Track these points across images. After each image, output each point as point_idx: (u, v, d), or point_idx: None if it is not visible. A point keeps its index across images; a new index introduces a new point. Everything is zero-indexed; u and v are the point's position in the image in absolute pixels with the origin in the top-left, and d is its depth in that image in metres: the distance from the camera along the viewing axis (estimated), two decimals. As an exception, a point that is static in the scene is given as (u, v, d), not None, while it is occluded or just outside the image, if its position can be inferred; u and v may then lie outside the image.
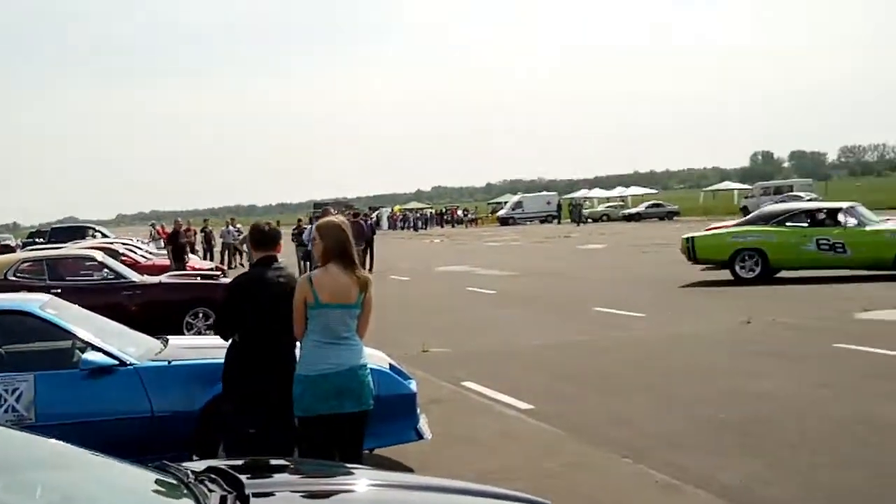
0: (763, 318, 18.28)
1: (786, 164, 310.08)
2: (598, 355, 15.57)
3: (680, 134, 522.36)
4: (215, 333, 8.25)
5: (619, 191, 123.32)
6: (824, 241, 24.89)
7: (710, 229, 29.21)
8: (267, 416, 7.52)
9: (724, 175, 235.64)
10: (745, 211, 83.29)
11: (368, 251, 36.54)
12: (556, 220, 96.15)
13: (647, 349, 15.94)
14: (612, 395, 12.53)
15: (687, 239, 26.93)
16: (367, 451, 8.07)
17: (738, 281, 25.21)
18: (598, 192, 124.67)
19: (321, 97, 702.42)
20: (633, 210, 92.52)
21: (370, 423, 7.43)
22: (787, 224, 25.73)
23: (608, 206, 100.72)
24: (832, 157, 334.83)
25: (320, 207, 60.47)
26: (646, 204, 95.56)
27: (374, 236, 39.79)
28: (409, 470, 8.94)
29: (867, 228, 25.07)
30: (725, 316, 19.11)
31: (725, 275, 25.82)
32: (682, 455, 9.50)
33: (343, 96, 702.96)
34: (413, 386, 9.40)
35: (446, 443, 10.24)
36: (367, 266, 35.67)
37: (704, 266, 27.60)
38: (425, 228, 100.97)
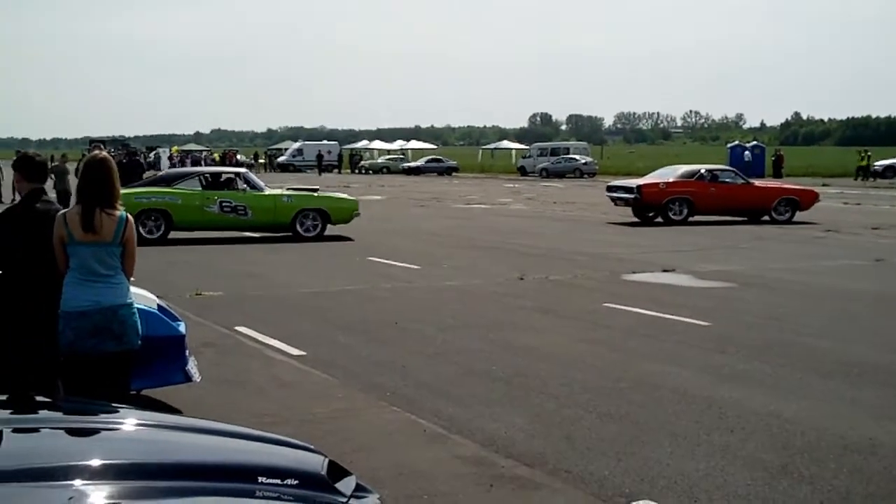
0: (536, 276, 18.66)
1: (563, 127, 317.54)
2: (372, 304, 15.62)
3: (462, 91, 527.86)
4: None
5: (399, 144, 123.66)
6: (227, 204, 26.00)
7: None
8: (32, 351, 7.26)
9: (503, 134, 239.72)
10: (521, 170, 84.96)
11: None
12: (336, 170, 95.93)
13: (420, 300, 16.08)
14: (384, 344, 12.57)
15: None
16: (134, 392, 7.91)
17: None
18: (378, 144, 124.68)
19: (98, 32, 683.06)
20: (413, 164, 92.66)
21: (137, 363, 7.28)
22: (190, 186, 26.49)
23: (388, 159, 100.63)
24: (608, 122, 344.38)
25: (95, 144, 58.70)
26: (425, 158, 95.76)
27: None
28: (176, 411, 8.79)
29: (266, 193, 26.66)
30: (498, 271, 19.44)
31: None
32: (451, 405, 9.61)
33: (121, 30, 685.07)
34: (182, 328, 9.23)
35: (216, 386, 10.14)
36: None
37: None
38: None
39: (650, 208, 32.63)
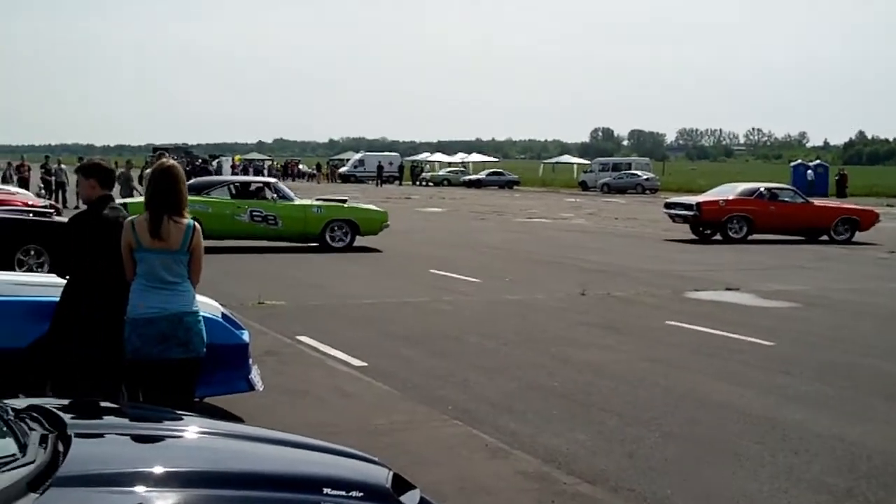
0: (598, 291, 18.57)
1: (625, 142, 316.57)
2: (433, 317, 15.62)
3: (523, 105, 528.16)
4: (53, 272, 7.97)
5: (460, 156, 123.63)
6: (258, 213, 25.91)
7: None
8: (97, 357, 7.31)
9: (564, 148, 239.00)
10: (583, 185, 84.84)
11: None
12: (397, 181, 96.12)
13: (481, 313, 16.04)
14: (445, 357, 12.56)
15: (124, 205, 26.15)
16: (197, 399, 7.93)
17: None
18: (440, 157, 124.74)
19: (163, 39, 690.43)
20: (474, 176, 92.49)
21: (201, 371, 7.30)
22: (220, 195, 26.31)
23: (449, 171, 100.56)
24: (670, 138, 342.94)
25: (159, 151, 59.09)
26: (486, 171, 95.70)
27: None
28: (238, 420, 8.81)
29: (296, 203, 26.63)
30: (560, 286, 19.36)
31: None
32: (513, 420, 9.57)
33: (185, 39, 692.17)
34: (246, 336, 9.25)
35: (278, 395, 10.15)
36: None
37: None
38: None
39: (709, 226, 32.40)
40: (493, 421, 9.51)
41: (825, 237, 32.43)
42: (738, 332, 14.50)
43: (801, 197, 33.91)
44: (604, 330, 14.72)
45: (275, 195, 26.48)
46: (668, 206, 34.78)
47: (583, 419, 9.66)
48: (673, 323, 15.28)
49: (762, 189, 33.26)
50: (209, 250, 23.83)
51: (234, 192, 26.62)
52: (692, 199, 34.00)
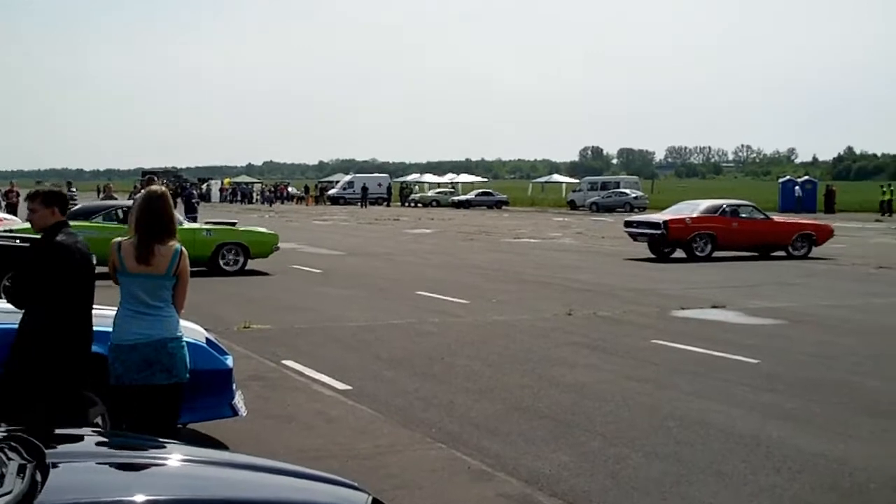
0: (584, 311, 18.61)
1: (614, 161, 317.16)
2: (419, 339, 15.62)
3: (513, 125, 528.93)
4: (9, 299, 7.80)
5: (450, 177, 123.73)
6: None
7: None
8: (68, 385, 7.30)
9: (553, 168, 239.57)
10: (571, 204, 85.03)
11: None
12: (385, 203, 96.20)
13: (468, 335, 16.05)
14: (430, 379, 12.57)
15: None
16: (180, 426, 7.95)
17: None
18: (429, 178, 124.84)
19: (151, 62, 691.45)
20: (463, 197, 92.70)
21: (184, 397, 7.32)
22: (107, 221, 25.43)
23: (438, 192, 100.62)
24: (659, 156, 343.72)
25: (148, 176, 58.99)
26: (476, 192, 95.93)
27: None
28: (222, 446, 8.83)
29: (185, 226, 25.49)
30: (547, 306, 19.39)
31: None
32: (496, 442, 9.59)
33: (174, 63, 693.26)
34: (229, 361, 9.26)
35: (262, 420, 10.18)
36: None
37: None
38: (269, 204, 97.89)
39: (674, 244, 32.34)
40: (477, 443, 9.54)
41: (782, 253, 32.75)
42: (724, 350, 14.55)
43: (761, 213, 34.03)
44: (590, 350, 14.76)
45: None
46: (629, 224, 34.75)
47: (567, 440, 9.69)
48: (659, 342, 15.33)
49: (725, 206, 33.27)
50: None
51: (121, 216, 25.41)
52: (659, 218, 33.78)
